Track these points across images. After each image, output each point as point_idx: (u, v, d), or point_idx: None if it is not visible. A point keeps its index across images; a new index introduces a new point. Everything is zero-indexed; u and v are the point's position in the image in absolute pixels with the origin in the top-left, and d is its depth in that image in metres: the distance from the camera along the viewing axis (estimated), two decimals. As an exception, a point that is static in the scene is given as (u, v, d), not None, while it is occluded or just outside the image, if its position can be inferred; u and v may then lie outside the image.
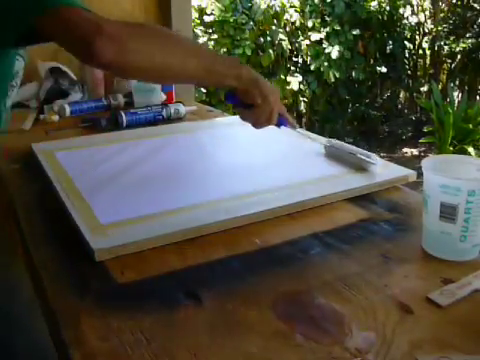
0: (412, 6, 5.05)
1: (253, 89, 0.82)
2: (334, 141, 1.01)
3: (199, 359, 0.49)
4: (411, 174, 0.90)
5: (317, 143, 1.02)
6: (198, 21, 4.18)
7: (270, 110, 0.84)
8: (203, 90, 4.09)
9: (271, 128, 0.91)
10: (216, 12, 4.17)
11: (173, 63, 0.77)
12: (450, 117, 3.78)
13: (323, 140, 1.02)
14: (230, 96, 0.86)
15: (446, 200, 0.62)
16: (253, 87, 0.82)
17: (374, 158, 0.91)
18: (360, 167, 0.92)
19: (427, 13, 5.17)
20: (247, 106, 0.85)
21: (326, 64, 4.47)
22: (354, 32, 4.55)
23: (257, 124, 0.86)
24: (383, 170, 0.92)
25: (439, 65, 5.24)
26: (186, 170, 0.94)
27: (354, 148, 0.96)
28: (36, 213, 0.82)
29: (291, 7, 4.43)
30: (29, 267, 0.74)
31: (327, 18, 4.55)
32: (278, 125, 0.89)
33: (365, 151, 0.94)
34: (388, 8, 4.87)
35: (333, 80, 4.51)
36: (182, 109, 1.37)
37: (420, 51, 5.25)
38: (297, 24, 4.45)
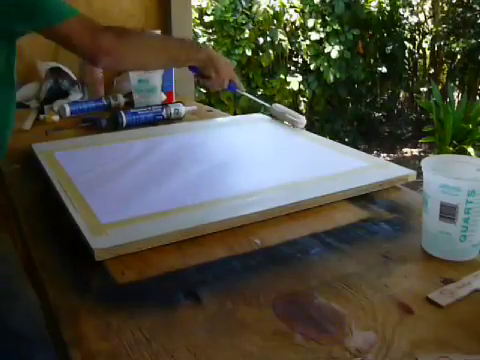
0: (412, 6, 5.05)
1: (209, 66, 1.09)
2: (276, 105, 1.31)
3: (199, 359, 0.49)
4: (411, 174, 0.90)
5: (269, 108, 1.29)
6: (198, 21, 4.18)
7: (222, 80, 1.13)
8: (203, 90, 4.10)
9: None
10: (216, 12, 4.16)
11: (152, 62, 1.08)
12: (450, 117, 3.77)
13: (267, 105, 1.32)
14: (193, 69, 1.13)
15: (446, 200, 0.62)
16: (210, 65, 1.09)
17: (301, 120, 1.19)
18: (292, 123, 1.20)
19: (427, 13, 5.17)
20: (205, 76, 1.13)
21: (326, 64, 4.46)
22: (354, 32, 4.55)
23: (212, 89, 1.16)
24: (383, 170, 0.92)
25: (439, 65, 5.24)
26: (186, 170, 0.94)
27: (290, 111, 1.25)
28: (36, 213, 0.82)
29: (291, 7, 4.43)
30: (29, 267, 0.74)
31: (327, 18, 4.55)
32: (229, 89, 1.17)
33: (297, 114, 1.23)
34: (388, 8, 4.86)
35: (333, 80, 4.51)
36: (182, 109, 1.37)
37: (420, 51, 5.25)
38: (297, 24, 4.45)
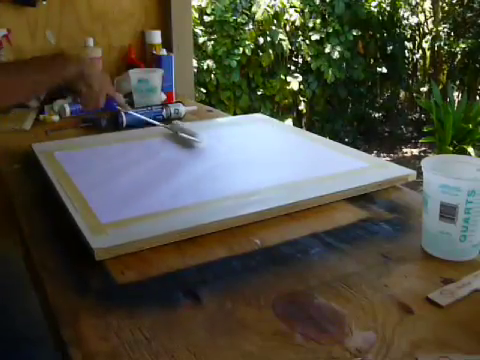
0: (412, 6, 5.05)
1: (78, 81, 0.94)
2: (176, 122, 1.16)
3: (199, 359, 0.49)
4: (411, 174, 0.90)
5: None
6: (198, 21, 4.18)
7: (95, 96, 0.97)
8: (203, 90, 4.10)
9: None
10: (216, 12, 4.17)
11: (5, 100, 0.92)
12: (450, 117, 3.78)
13: (160, 124, 1.15)
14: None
15: (446, 200, 0.62)
16: (79, 79, 0.94)
17: (199, 137, 1.04)
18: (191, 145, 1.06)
19: (427, 13, 5.18)
20: (75, 91, 0.98)
21: (326, 64, 4.47)
22: (354, 33, 4.55)
23: (86, 108, 1.00)
24: (383, 170, 0.92)
25: (439, 65, 5.24)
26: (186, 170, 0.94)
27: (186, 129, 1.09)
28: (36, 213, 0.82)
29: (291, 7, 4.43)
30: (29, 267, 0.74)
31: (327, 18, 4.55)
32: (107, 107, 1.02)
33: (193, 131, 1.07)
34: (388, 8, 4.86)
35: (333, 80, 4.51)
36: (182, 109, 1.37)
37: (420, 51, 5.25)
38: (297, 24, 4.45)
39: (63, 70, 0.92)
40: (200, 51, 4.13)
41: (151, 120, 1.13)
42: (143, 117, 1.11)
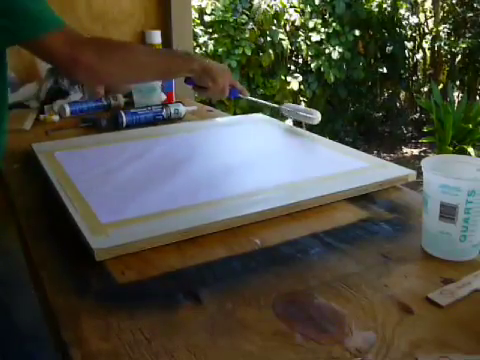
0: (412, 6, 5.05)
1: (204, 76, 1.04)
2: (287, 104, 1.28)
3: (199, 359, 0.49)
4: (411, 174, 0.90)
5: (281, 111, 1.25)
6: (198, 21, 4.18)
7: (220, 89, 1.07)
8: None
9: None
10: (216, 12, 4.16)
11: (134, 76, 1.03)
12: (450, 117, 3.78)
13: (276, 105, 1.28)
14: (189, 82, 1.10)
15: (446, 200, 0.62)
16: (204, 74, 1.04)
17: (315, 115, 1.14)
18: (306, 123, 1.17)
19: (427, 13, 5.17)
20: (202, 87, 1.08)
21: (327, 65, 4.46)
22: (354, 33, 4.54)
23: (214, 99, 1.19)
24: (383, 170, 0.92)
25: (439, 65, 5.25)
26: (186, 170, 0.94)
27: (302, 108, 1.22)
28: (36, 213, 0.82)
29: (291, 7, 4.43)
30: (29, 267, 0.74)
31: (328, 18, 4.55)
32: (231, 96, 1.12)
33: (310, 109, 1.18)
34: (389, 8, 4.86)
35: (333, 80, 4.51)
36: (182, 109, 1.37)
37: (420, 51, 5.25)
38: (297, 23, 4.45)
39: (189, 63, 1.02)
40: (201, 51, 4.13)
41: (261, 101, 1.36)
42: (256, 100, 1.32)
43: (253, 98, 1.27)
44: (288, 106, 1.25)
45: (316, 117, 1.14)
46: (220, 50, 4.16)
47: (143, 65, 0.98)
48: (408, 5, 4.96)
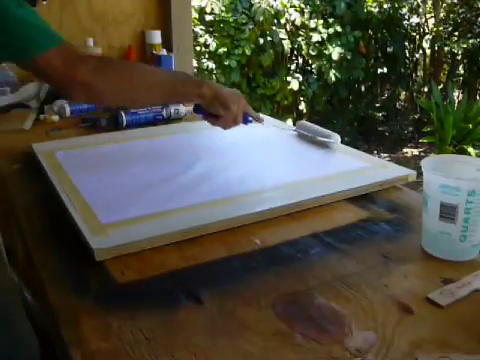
0: (412, 6, 5.05)
1: (215, 103, 0.92)
2: (302, 123, 1.16)
3: (199, 359, 0.49)
4: (411, 174, 0.90)
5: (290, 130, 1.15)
6: (197, 21, 4.18)
7: (233, 117, 0.94)
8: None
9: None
10: (216, 11, 4.16)
11: (137, 97, 0.92)
12: (450, 117, 3.77)
13: (292, 126, 1.16)
14: (198, 109, 0.97)
15: (446, 200, 0.62)
16: (215, 101, 0.92)
17: (334, 137, 1.04)
18: (324, 146, 1.05)
19: (428, 13, 5.17)
20: (214, 115, 0.95)
21: (327, 65, 4.46)
22: (355, 34, 4.54)
23: (225, 128, 0.98)
24: (383, 170, 0.92)
25: (439, 65, 5.24)
26: (186, 170, 0.94)
27: (318, 129, 1.09)
28: (36, 213, 0.82)
29: (291, 7, 4.43)
30: (29, 267, 0.74)
31: (328, 19, 4.55)
32: (245, 123, 0.99)
33: (327, 131, 1.07)
34: (388, 8, 4.86)
35: (334, 80, 4.51)
36: (182, 109, 1.36)
37: (420, 51, 5.25)
38: (297, 23, 4.45)
39: (198, 87, 0.91)
40: (202, 51, 4.13)
41: (282, 126, 1.19)
42: (274, 122, 1.16)
43: (269, 120, 1.14)
44: (304, 127, 1.13)
45: (335, 141, 1.04)
46: (220, 50, 4.16)
47: (146, 85, 0.90)
48: (408, 6, 4.95)
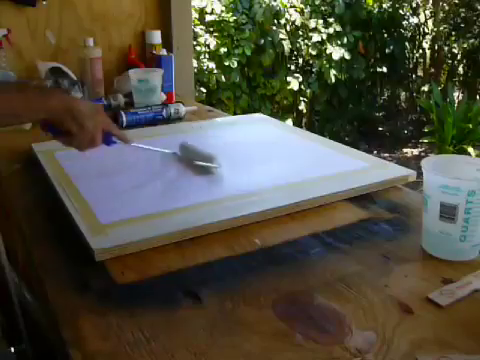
0: (413, 7, 5.05)
1: (67, 119, 0.77)
2: (183, 145, 1.00)
3: (199, 359, 0.49)
4: (411, 174, 0.90)
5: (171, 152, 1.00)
6: (197, 21, 4.18)
7: (90, 136, 0.80)
8: (203, 90, 4.10)
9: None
10: (216, 11, 4.16)
11: None
12: (450, 117, 3.77)
13: (171, 150, 0.99)
14: (46, 126, 0.81)
15: (446, 200, 0.62)
16: (67, 116, 0.77)
17: (215, 162, 0.91)
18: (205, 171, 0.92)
19: (428, 13, 5.17)
20: (65, 133, 0.80)
21: (327, 65, 4.46)
22: (355, 34, 4.54)
23: (81, 150, 0.83)
24: (383, 170, 0.92)
25: (439, 65, 5.24)
26: (186, 170, 0.94)
27: (200, 153, 0.95)
28: (36, 213, 0.82)
29: (291, 7, 4.43)
30: (29, 267, 0.74)
31: (328, 19, 4.55)
32: (107, 144, 0.85)
33: (210, 155, 0.93)
34: (388, 8, 4.86)
35: (334, 80, 4.51)
36: (182, 109, 1.37)
37: (420, 51, 5.25)
38: (297, 23, 4.45)
39: (48, 100, 0.76)
40: (202, 51, 4.13)
41: (160, 149, 0.97)
42: (151, 148, 0.95)
43: (140, 145, 0.92)
44: (185, 150, 0.99)
45: (217, 165, 0.92)
46: (220, 50, 4.16)
47: None
48: (407, 6, 4.95)
